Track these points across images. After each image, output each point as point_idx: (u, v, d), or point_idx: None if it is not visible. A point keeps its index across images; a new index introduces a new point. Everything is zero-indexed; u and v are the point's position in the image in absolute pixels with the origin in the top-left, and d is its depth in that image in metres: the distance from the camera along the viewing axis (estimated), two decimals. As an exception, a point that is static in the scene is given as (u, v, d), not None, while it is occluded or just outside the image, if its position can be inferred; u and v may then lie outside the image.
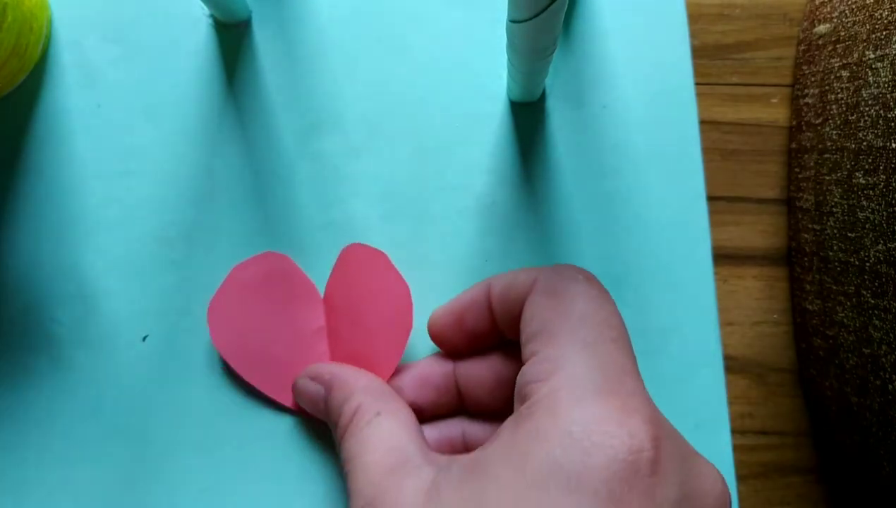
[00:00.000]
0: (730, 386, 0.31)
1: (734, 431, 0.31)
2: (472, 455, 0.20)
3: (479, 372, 0.25)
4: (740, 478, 0.31)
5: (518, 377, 0.21)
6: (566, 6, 0.21)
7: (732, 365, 0.31)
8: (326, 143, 0.30)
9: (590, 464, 0.17)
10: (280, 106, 0.30)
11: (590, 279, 0.23)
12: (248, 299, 0.28)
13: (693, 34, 0.32)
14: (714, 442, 0.28)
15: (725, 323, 0.31)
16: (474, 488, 0.19)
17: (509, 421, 0.20)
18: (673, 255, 0.29)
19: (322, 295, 0.28)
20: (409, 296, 0.26)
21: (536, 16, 0.21)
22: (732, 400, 0.31)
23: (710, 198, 0.31)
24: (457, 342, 0.26)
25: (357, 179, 0.29)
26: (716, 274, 0.30)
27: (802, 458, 0.31)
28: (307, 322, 0.28)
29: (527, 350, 0.21)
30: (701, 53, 0.32)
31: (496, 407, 0.25)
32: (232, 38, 0.30)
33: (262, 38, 0.30)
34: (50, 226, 0.29)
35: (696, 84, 0.31)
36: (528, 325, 0.22)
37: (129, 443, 0.28)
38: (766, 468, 0.31)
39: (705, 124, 0.32)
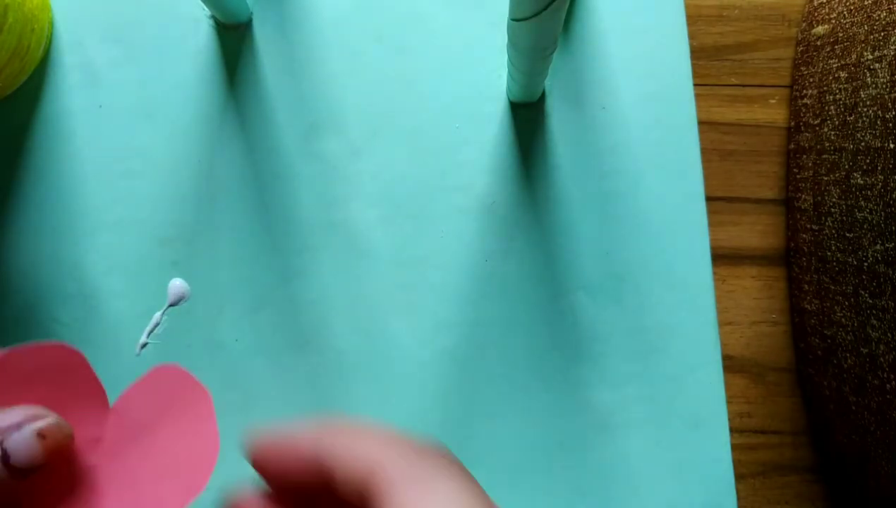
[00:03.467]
0: (728, 386, 0.31)
1: (732, 430, 0.31)
2: None
3: None
4: (739, 477, 0.31)
5: None
6: (567, 4, 0.21)
7: (731, 365, 0.31)
8: (327, 144, 0.30)
9: None
10: (280, 106, 0.30)
11: (457, 472, 0.18)
12: (16, 393, 0.22)
13: (691, 35, 0.32)
14: (713, 441, 0.28)
15: (724, 323, 0.31)
16: None
17: None
18: (672, 255, 0.29)
19: (111, 404, 0.24)
20: (215, 454, 0.22)
21: (538, 14, 0.21)
22: (731, 399, 0.31)
23: (709, 199, 0.31)
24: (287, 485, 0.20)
25: (357, 179, 0.30)
26: (714, 274, 0.30)
27: (801, 457, 0.31)
28: (85, 429, 0.23)
29: None
30: (699, 54, 0.33)
31: None
32: (232, 38, 0.30)
33: (263, 39, 0.30)
34: (51, 226, 0.29)
35: (695, 85, 0.31)
36: None
37: None
38: (765, 467, 0.31)
39: (703, 125, 0.32)
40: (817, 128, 0.30)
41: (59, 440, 0.21)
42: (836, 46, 0.30)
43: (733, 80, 0.33)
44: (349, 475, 0.18)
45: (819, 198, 0.30)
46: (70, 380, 0.23)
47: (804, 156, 0.31)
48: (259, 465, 0.20)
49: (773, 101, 0.33)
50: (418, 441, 0.19)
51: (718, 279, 0.32)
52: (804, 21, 0.33)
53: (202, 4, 0.29)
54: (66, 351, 0.23)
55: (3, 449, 0.19)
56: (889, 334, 0.26)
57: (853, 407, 0.28)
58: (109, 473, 0.23)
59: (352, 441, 0.19)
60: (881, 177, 0.26)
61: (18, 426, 0.20)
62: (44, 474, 0.20)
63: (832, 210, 0.29)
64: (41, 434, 0.20)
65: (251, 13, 0.30)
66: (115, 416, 0.24)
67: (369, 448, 0.18)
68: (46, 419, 0.21)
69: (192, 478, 0.21)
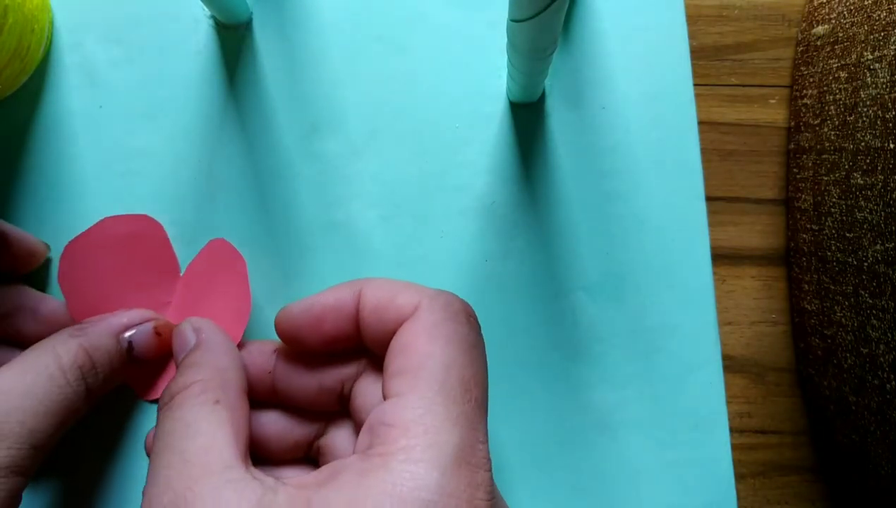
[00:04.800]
0: (728, 386, 0.31)
1: (733, 430, 0.31)
2: (303, 485, 0.19)
3: (302, 380, 0.24)
4: (739, 477, 0.31)
5: (375, 411, 0.20)
6: (566, 5, 0.21)
7: (731, 365, 0.31)
8: (327, 144, 0.30)
9: None
10: (281, 106, 0.30)
11: (471, 320, 0.22)
12: (109, 252, 0.27)
13: (691, 35, 0.32)
14: (713, 441, 0.28)
15: (724, 323, 0.31)
16: None
17: (355, 461, 0.19)
18: (672, 255, 0.29)
19: (182, 273, 0.28)
20: (248, 310, 0.26)
21: (537, 15, 0.21)
22: (731, 399, 0.31)
23: (709, 199, 0.31)
24: (310, 345, 0.24)
25: (357, 180, 0.30)
26: (714, 274, 0.30)
27: (801, 457, 0.31)
28: (159, 294, 0.28)
29: (391, 384, 0.21)
30: (699, 54, 0.33)
31: (311, 409, 0.25)
32: (233, 39, 0.30)
33: (263, 39, 0.30)
34: (52, 226, 0.29)
35: (695, 85, 0.31)
36: (399, 356, 0.21)
37: (134, 443, 0.28)
38: (765, 466, 0.31)
39: (704, 125, 0.32)
40: (817, 128, 0.30)
41: (169, 337, 0.26)
42: (836, 46, 0.30)
43: (733, 80, 0.33)
44: (402, 303, 0.22)
45: (819, 198, 0.30)
46: (151, 248, 0.28)
47: (804, 156, 0.31)
48: (290, 324, 0.24)
49: (773, 101, 0.33)
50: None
51: (718, 279, 0.32)
52: (804, 21, 0.33)
53: (202, 4, 0.29)
54: (149, 221, 0.28)
55: (129, 341, 0.25)
56: (889, 334, 0.26)
57: (853, 407, 0.28)
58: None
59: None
60: (881, 177, 0.26)
61: (140, 323, 0.25)
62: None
63: (832, 210, 0.29)
64: (157, 331, 0.25)
65: (251, 13, 0.30)
66: (182, 283, 0.28)
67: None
68: (160, 319, 0.26)
69: (229, 331, 0.26)
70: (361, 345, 0.24)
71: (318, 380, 0.24)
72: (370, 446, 0.19)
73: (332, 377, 0.24)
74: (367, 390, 0.23)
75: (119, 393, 0.28)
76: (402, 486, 0.18)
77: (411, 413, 0.19)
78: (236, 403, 0.22)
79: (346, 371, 0.24)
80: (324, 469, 0.20)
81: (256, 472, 0.20)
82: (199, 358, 0.23)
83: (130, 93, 0.30)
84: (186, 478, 0.19)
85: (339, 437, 0.25)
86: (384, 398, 0.21)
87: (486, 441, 0.20)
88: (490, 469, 0.19)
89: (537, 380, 0.29)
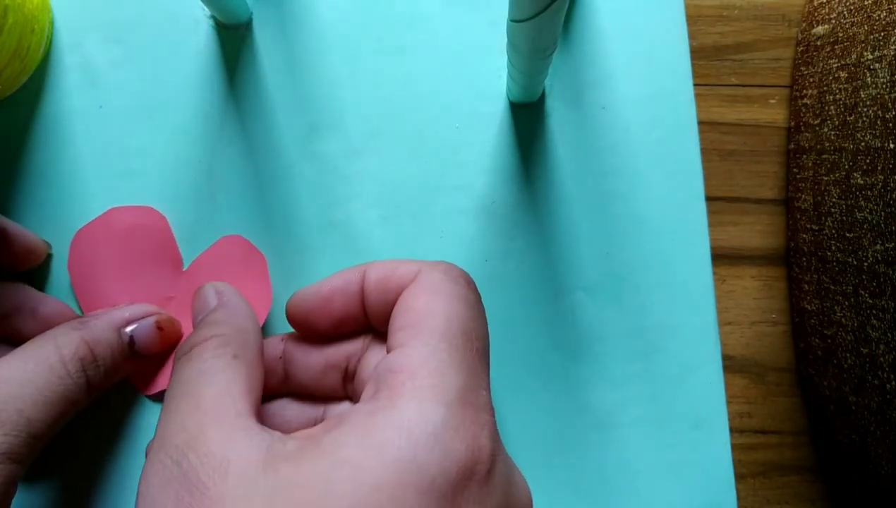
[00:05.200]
0: (728, 386, 0.31)
1: (733, 430, 0.31)
2: (311, 435, 0.19)
3: (309, 358, 0.25)
4: (739, 477, 0.31)
5: (381, 363, 0.21)
6: (566, 5, 0.21)
7: (731, 365, 0.31)
8: (327, 144, 0.30)
9: (445, 468, 0.18)
10: (280, 107, 0.30)
11: (469, 285, 0.23)
12: (115, 242, 0.28)
13: (691, 35, 0.32)
14: (713, 441, 0.28)
15: (724, 323, 0.31)
16: (321, 468, 0.18)
17: (361, 406, 0.20)
18: (672, 255, 0.29)
19: (185, 268, 0.29)
20: (268, 306, 0.27)
21: (537, 15, 0.21)
22: (731, 399, 0.31)
23: (709, 199, 0.31)
24: (319, 327, 0.25)
25: (357, 180, 0.30)
26: (714, 274, 0.30)
27: (801, 457, 0.31)
28: (162, 288, 0.28)
29: (395, 338, 0.21)
30: (699, 54, 0.33)
31: (317, 390, 0.26)
32: (233, 39, 0.30)
33: (263, 39, 0.30)
34: (52, 226, 0.29)
35: (695, 85, 0.31)
36: (402, 315, 0.22)
37: (134, 438, 0.28)
38: (765, 466, 0.31)
39: (704, 125, 0.32)
40: (817, 128, 0.30)
41: (171, 332, 0.26)
42: (836, 46, 0.30)
43: (733, 80, 0.33)
44: (403, 273, 0.23)
45: (819, 198, 0.30)
46: (155, 241, 0.28)
47: (804, 156, 0.31)
48: (301, 309, 0.25)
49: (773, 101, 0.33)
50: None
51: (718, 279, 0.32)
52: (804, 21, 0.33)
53: (202, 4, 0.29)
54: (154, 213, 0.29)
55: (130, 336, 0.25)
56: (889, 334, 0.26)
57: (853, 407, 0.28)
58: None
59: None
60: (881, 177, 0.26)
61: (142, 317, 0.25)
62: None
63: (832, 210, 0.29)
64: (160, 326, 0.26)
65: (251, 13, 0.30)
66: (186, 278, 0.28)
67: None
68: (163, 314, 0.26)
69: None
70: (368, 326, 0.25)
71: (324, 357, 0.25)
72: (377, 391, 0.20)
73: (338, 353, 0.25)
74: (372, 361, 0.24)
75: (119, 388, 0.28)
76: (409, 420, 0.18)
77: (416, 358, 0.20)
78: (253, 362, 0.23)
79: (351, 347, 0.25)
80: (330, 419, 0.20)
81: (265, 427, 0.20)
82: (221, 316, 0.24)
83: (130, 93, 0.30)
84: (199, 422, 0.19)
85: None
86: (388, 352, 0.21)
87: (489, 389, 0.21)
88: (493, 416, 0.20)
89: (537, 380, 0.29)
